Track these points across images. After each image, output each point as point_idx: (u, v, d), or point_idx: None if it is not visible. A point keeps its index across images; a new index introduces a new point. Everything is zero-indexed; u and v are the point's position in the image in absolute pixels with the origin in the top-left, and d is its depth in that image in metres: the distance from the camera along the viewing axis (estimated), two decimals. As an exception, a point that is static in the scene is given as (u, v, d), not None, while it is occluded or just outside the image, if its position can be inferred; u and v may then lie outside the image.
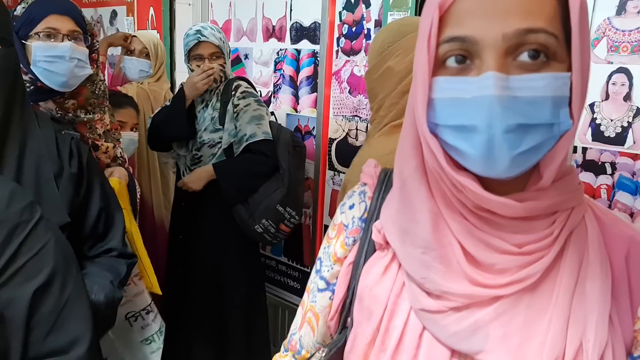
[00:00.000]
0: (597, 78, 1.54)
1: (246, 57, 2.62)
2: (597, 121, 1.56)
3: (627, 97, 1.50)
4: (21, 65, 1.41)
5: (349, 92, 2.18)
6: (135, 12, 3.00)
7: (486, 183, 0.55)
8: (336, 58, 2.21)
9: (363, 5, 2.08)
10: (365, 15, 2.08)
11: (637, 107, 1.49)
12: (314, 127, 2.36)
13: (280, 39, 2.46)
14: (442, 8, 0.55)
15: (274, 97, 2.52)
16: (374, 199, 0.73)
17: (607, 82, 1.53)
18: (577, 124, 0.54)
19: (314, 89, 2.35)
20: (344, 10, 2.15)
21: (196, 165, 2.09)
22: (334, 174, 2.29)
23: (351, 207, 0.75)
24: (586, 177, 1.60)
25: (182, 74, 2.84)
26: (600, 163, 1.58)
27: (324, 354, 0.75)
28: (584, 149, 1.59)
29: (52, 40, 1.37)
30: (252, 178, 1.97)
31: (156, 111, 2.20)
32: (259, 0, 2.52)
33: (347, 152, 2.22)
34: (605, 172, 1.57)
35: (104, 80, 1.61)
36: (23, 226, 0.79)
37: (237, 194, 1.98)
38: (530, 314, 0.57)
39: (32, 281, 0.78)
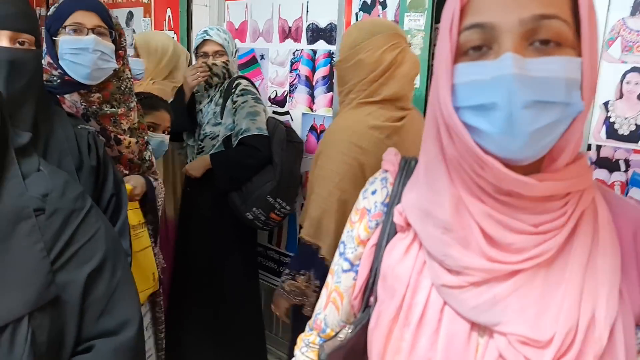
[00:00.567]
0: (611, 77, 1.58)
1: (262, 57, 2.66)
2: (611, 119, 1.60)
3: (641, 96, 1.54)
4: (51, 61, 1.49)
5: (365, 91, 2.22)
6: (152, 14, 3.06)
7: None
8: (352, 58, 2.25)
9: (379, 7, 2.12)
10: (381, 16, 2.12)
11: (651, 105, 1.53)
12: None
13: (297, 39, 2.50)
14: None
15: (289, 96, 2.56)
16: (395, 185, 0.77)
17: (622, 81, 1.57)
18: (588, 107, 0.58)
19: (329, 89, 2.39)
20: (361, 12, 2.19)
21: (200, 154, 2.27)
22: (350, 172, 2.33)
23: (373, 192, 0.80)
24: (600, 174, 1.64)
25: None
26: (614, 160, 1.61)
27: (349, 331, 0.79)
28: (598, 147, 1.63)
29: (78, 34, 1.44)
30: (242, 169, 2.13)
31: None
32: (275, 1, 2.56)
33: (362, 150, 2.26)
34: (619, 169, 1.61)
35: (131, 78, 1.66)
36: (77, 214, 0.84)
37: (228, 183, 2.15)
38: (546, 287, 0.60)
39: (85, 266, 0.83)
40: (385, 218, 0.76)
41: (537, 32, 0.56)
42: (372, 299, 0.76)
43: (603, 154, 1.63)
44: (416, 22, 1.87)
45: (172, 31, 2.96)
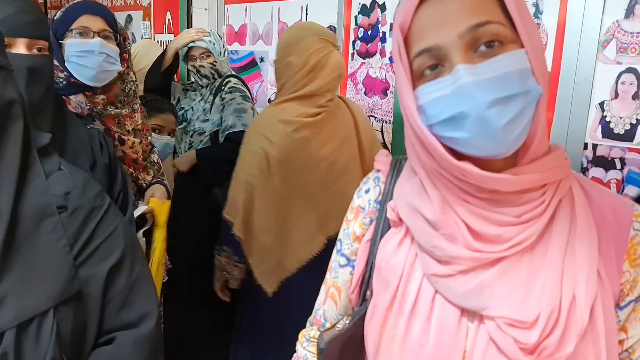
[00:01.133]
0: (606, 78, 1.63)
1: (262, 60, 2.70)
2: (607, 119, 1.64)
3: (636, 96, 1.59)
4: (57, 63, 1.52)
5: (365, 93, 2.26)
6: (152, 17, 3.09)
7: (482, 167, 0.63)
8: (352, 60, 2.29)
9: (378, 10, 2.16)
10: (380, 19, 2.16)
11: (645, 105, 1.57)
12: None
13: (296, 42, 2.53)
14: (403, 30, 0.65)
15: (289, 98, 2.59)
16: (387, 183, 0.82)
17: (617, 82, 1.61)
18: (546, 90, 0.63)
19: (329, 91, 2.42)
20: (360, 15, 2.23)
21: (189, 150, 2.32)
22: (350, 172, 2.37)
23: (367, 191, 0.84)
24: (597, 172, 1.68)
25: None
26: (610, 159, 1.66)
27: (347, 321, 0.83)
28: (594, 146, 1.67)
29: (84, 37, 1.48)
30: (225, 164, 2.08)
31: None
32: (274, 4, 2.60)
33: (362, 151, 2.30)
34: (614, 167, 1.65)
35: (135, 81, 1.70)
36: (97, 211, 0.87)
37: (212, 177, 2.18)
38: (530, 272, 0.65)
39: (106, 261, 0.86)
40: (378, 214, 0.81)
41: (477, 39, 0.61)
42: (368, 292, 0.80)
43: (599, 152, 1.67)
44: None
45: (172, 34, 2.99)
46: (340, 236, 0.87)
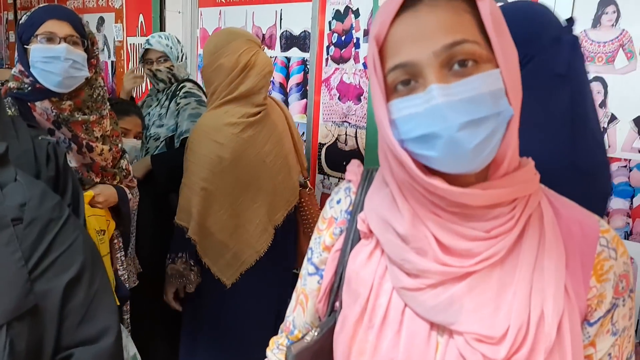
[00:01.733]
0: (574, 86, 1.65)
1: (236, 64, 2.67)
2: (575, 126, 1.66)
3: (603, 104, 1.61)
4: (22, 68, 1.48)
5: (339, 98, 2.26)
6: (124, 19, 3.04)
7: (453, 181, 0.64)
8: (326, 66, 2.29)
9: (352, 15, 2.16)
10: (354, 25, 2.17)
11: (612, 113, 1.60)
12: (303, 132, 2.43)
13: (270, 46, 2.52)
14: (378, 41, 0.64)
15: (264, 103, 2.58)
16: (358, 194, 0.81)
17: (584, 90, 1.64)
18: (517, 111, 0.63)
19: (303, 96, 2.42)
20: (334, 20, 2.23)
21: (145, 155, 2.28)
22: (324, 178, 2.36)
23: (338, 201, 0.83)
24: (565, 179, 1.70)
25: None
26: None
27: (316, 333, 0.82)
28: (563, 153, 1.70)
29: (50, 43, 1.45)
30: (180, 169, 2.10)
31: None
32: (249, 9, 2.58)
33: (336, 156, 2.30)
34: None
35: (104, 86, 1.66)
36: (54, 223, 0.84)
37: (167, 183, 2.14)
38: (499, 288, 0.65)
39: (64, 274, 0.83)
40: (348, 225, 0.80)
41: (452, 58, 0.61)
42: (337, 303, 0.79)
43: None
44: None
45: (145, 37, 2.95)
46: (311, 244, 0.86)
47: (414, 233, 0.67)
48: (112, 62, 3.34)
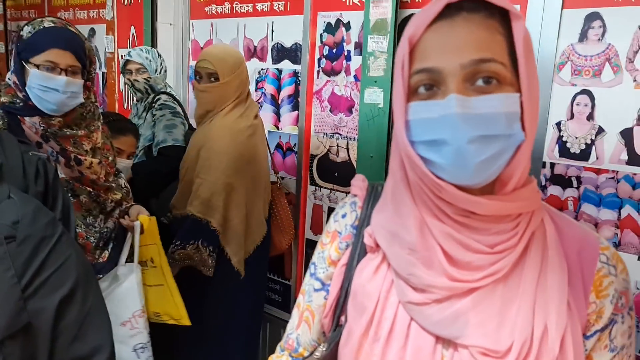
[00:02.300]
0: (562, 99, 1.68)
1: (227, 75, 2.68)
2: (564, 139, 1.69)
3: (590, 117, 1.64)
4: (17, 82, 1.48)
5: (330, 110, 2.27)
6: (115, 31, 3.04)
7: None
8: (317, 78, 2.30)
9: (343, 28, 2.18)
10: (345, 38, 2.18)
11: (599, 125, 1.62)
12: (295, 144, 2.44)
13: (262, 59, 2.54)
14: (411, 42, 0.66)
15: (255, 114, 2.59)
16: (363, 208, 0.82)
17: (572, 103, 1.66)
18: (531, 137, 0.64)
19: (295, 107, 2.43)
20: (325, 32, 2.25)
21: None
22: (315, 189, 2.37)
23: (343, 216, 0.84)
24: (554, 190, 1.72)
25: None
26: (567, 177, 1.70)
27: (324, 349, 0.82)
28: (552, 164, 1.72)
29: (51, 72, 1.45)
30: (157, 176, 2.29)
31: None
32: (240, 21, 2.60)
33: (328, 167, 2.31)
34: (571, 186, 1.69)
35: (95, 101, 1.66)
36: (48, 240, 0.84)
37: (146, 189, 2.25)
38: (503, 303, 0.66)
39: (57, 292, 0.83)
40: (355, 239, 0.80)
41: (477, 73, 0.62)
42: (342, 318, 0.80)
43: (556, 171, 1.71)
44: (379, 45, 1.93)
45: (136, 49, 2.95)
46: (314, 259, 0.86)
47: (421, 242, 0.68)
48: (103, 73, 3.33)
